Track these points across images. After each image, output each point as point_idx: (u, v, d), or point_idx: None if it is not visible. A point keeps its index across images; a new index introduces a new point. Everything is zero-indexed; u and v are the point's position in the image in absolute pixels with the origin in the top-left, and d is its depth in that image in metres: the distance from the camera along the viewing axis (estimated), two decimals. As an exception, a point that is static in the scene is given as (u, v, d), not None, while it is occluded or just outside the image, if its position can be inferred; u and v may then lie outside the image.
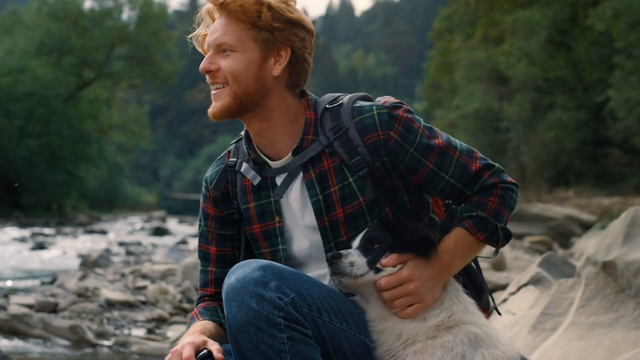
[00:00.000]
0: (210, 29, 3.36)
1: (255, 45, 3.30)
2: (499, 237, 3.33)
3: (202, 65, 3.33)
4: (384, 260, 3.18)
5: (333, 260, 3.16)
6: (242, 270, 3.02)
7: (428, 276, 3.21)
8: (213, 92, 3.36)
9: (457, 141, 3.41)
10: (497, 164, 3.42)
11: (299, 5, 3.37)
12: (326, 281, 3.40)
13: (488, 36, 49.36)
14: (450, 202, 3.57)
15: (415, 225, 3.28)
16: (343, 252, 3.20)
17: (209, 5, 3.37)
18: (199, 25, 3.47)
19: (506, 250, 13.10)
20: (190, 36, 3.50)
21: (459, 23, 55.49)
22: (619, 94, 32.46)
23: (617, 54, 33.70)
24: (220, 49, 3.31)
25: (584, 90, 39.67)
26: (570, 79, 40.51)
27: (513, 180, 3.42)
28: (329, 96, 3.52)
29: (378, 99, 3.51)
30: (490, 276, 9.68)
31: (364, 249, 3.22)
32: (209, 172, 3.64)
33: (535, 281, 6.58)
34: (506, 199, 3.36)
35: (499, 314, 3.71)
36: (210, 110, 3.39)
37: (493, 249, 3.47)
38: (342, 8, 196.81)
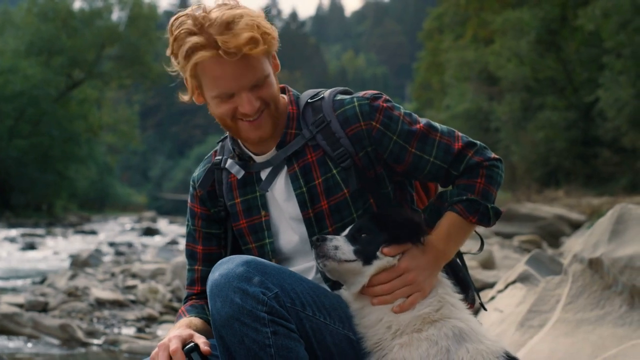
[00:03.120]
0: (229, 73, 3.23)
1: (268, 62, 3.34)
2: (490, 217, 3.39)
3: (249, 109, 3.28)
4: (385, 249, 3.22)
5: (317, 243, 3.20)
6: (226, 266, 3.03)
7: (424, 265, 3.26)
8: (255, 120, 3.33)
9: (438, 124, 3.47)
10: (479, 142, 3.48)
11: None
12: (312, 275, 3.45)
13: (478, 36, 49.45)
14: (439, 184, 3.61)
15: (403, 212, 3.34)
16: (328, 236, 3.24)
17: (212, 54, 3.20)
18: (186, 57, 3.26)
19: (495, 249, 13.13)
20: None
21: (449, 23, 55.58)
22: (609, 93, 32.55)
23: (606, 54, 33.80)
24: (254, 85, 3.29)
25: (573, 90, 39.76)
26: (560, 79, 40.60)
27: (497, 156, 3.47)
28: (310, 91, 3.57)
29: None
30: (479, 274, 9.70)
31: (352, 237, 3.26)
32: (197, 172, 3.69)
33: (523, 279, 6.63)
34: (493, 177, 3.41)
35: (485, 309, 3.75)
36: (259, 136, 3.39)
37: (477, 246, 3.52)
38: (332, 8, 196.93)
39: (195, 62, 3.21)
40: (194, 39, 3.19)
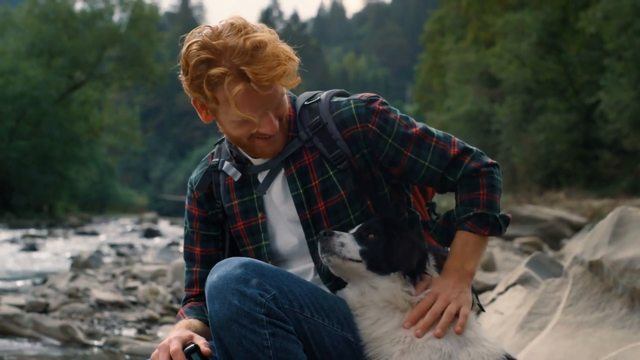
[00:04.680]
0: (256, 102, 3.21)
1: None
2: (501, 226, 3.41)
3: (270, 130, 3.29)
4: (415, 291, 3.23)
5: (324, 237, 3.22)
6: (224, 268, 3.05)
7: (452, 284, 3.30)
8: (271, 137, 3.35)
9: (434, 129, 3.48)
10: (475, 148, 3.49)
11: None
12: (310, 276, 3.47)
13: (479, 38, 49.47)
14: (434, 189, 3.63)
15: (407, 249, 3.29)
16: (336, 232, 3.26)
17: (246, 87, 3.16)
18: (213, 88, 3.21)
19: (496, 252, 13.14)
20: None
21: (450, 25, 55.63)
22: (610, 96, 32.55)
23: (607, 56, 33.81)
24: (275, 107, 3.30)
25: (574, 92, 39.77)
26: (561, 81, 40.61)
27: (493, 161, 3.49)
28: (307, 94, 3.59)
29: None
30: (480, 276, 9.71)
31: (359, 236, 3.27)
32: (194, 174, 3.70)
33: (523, 281, 6.61)
34: (494, 185, 3.43)
35: (483, 311, 3.75)
36: (273, 151, 3.41)
37: None
38: (333, 10, 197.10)
39: (228, 95, 3.17)
40: (218, 71, 3.15)
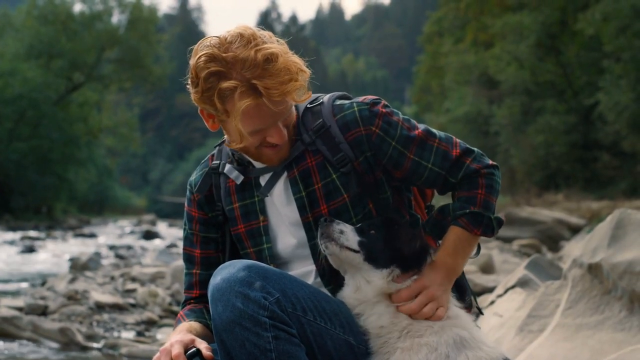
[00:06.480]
0: (267, 115, 3.21)
1: None
2: (494, 228, 3.42)
3: (279, 140, 3.29)
4: (397, 279, 3.25)
5: (324, 223, 3.24)
6: (228, 271, 3.05)
7: (440, 280, 3.31)
8: (278, 145, 3.35)
9: (436, 130, 3.49)
10: (476, 149, 3.50)
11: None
12: (311, 279, 3.46)
13: (478, 40, 49.46)
14: (436, 190, 3.62)
15: (408, 238, 3.33)
16: (337, 219, 3.28)
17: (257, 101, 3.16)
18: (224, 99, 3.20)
19: (495, 254, 13.13)
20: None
21: (448, 27, 55.60)
22: (608, 97, 32.53)
23: (606, 58, 33.79)
24: (284, 118, 3.31)
25: (573, 94, 39.74)
26: (560, 83, 40.58)
27: (493, 163, 3.50)
28: None
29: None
30: (479, 279, 9.72)
31: (360, 229, 3.29)
32: (194, 176, 3.69)
33: (522, 283, 6.62)
34: (492, 186, 3.44)
35: (482, 314, 3.76)
36: (280, 158, 3.41)
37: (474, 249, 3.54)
38: (332, 11, 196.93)
39: (239, 109, 3.15)
40: (229, 84, 3.14)
